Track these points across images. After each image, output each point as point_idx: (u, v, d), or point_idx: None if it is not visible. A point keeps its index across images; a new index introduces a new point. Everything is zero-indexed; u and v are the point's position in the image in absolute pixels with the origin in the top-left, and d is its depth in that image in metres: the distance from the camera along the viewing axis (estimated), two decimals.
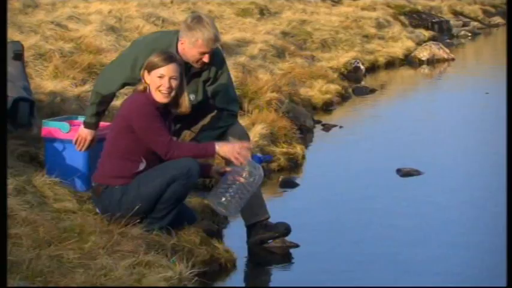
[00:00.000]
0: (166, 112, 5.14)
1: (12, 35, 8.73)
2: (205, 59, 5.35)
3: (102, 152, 5.20)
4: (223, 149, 5.02)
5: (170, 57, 5.08)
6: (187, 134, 6.16)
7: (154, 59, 5.05)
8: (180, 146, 5.03)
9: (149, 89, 5.05)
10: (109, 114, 6.59)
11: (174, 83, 5.03)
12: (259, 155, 5.18)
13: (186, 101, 5.16)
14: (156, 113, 5.00)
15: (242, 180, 5.06)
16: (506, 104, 7.42)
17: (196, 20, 5.38)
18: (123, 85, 5.60)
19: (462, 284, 5.00)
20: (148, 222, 5.01)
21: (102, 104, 5.60)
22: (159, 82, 5.01)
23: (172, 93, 5.05)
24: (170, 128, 5.23)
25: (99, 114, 5.64)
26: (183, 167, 4.95)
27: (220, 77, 5.52)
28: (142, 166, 5.04)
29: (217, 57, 5.50)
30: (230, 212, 5.17)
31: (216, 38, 5.34)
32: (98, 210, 5.16)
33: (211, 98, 5.54)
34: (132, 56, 5.44)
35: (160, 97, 5.03)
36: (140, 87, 5.10)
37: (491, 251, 5.58)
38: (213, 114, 5.59)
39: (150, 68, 5.04)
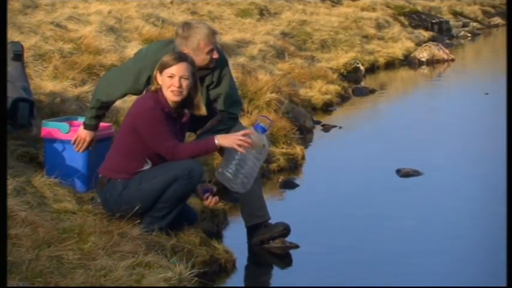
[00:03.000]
0: (178, 115, 5.12)
1: (12, 35, 8.73)
2: (215, 55, 5.38)
3: (112, 145, 5.23)
4: (224, 141, 4.99)
5: (181, 56, 5.08)
6: (191, 136, 6.18)
7: (166, 58, 5.05)
8: (183, 150, 5.00)
9: (161, 90, 5.05)
10: (109, 115, 6.61)
11: (184, 83, 5.02)
12: (261, 124, 5.09)
13: (202, 103, 5.15)
14: (161, 118, 4.98)
15: (251, 155, 5.03)
16: (506, 105, 7.42)
17: (186, 26, 5.41)
18: (125, 94, 5.63)
19: (462, 284, 5.00)
20: (148, 222, 5.02)
21: (102, 108, 5.63)
22: (169, 82, 5.00)
23: (184, 93, 5.03)
24: (183, 130, 5.22)
25: (99, 117, 5.66)
26: (186, 168, 4.95)
27: (222, 80, 5.54)
28: (147, 166, 5.05)
29: (219, 62, 5.50)
30: (246, 187, 5.12)
31: (213, 31, 5.40)
32: (99, 200, 5.19)
33: (213, 101, 5.55)
34: (136, 68, 5.46)
35: (171, 96, 5.01)
36: (152, 88, 5.10)
37: (491, 251, 5.58)
38: (214, 116, 5.60)
39: (162, 67, 5.04)
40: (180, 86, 5.01)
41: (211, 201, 5.27)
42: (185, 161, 4.98)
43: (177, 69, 5.01)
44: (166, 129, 4.98)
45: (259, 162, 5.11)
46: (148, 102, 5.03)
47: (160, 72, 5.04)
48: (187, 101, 5.09)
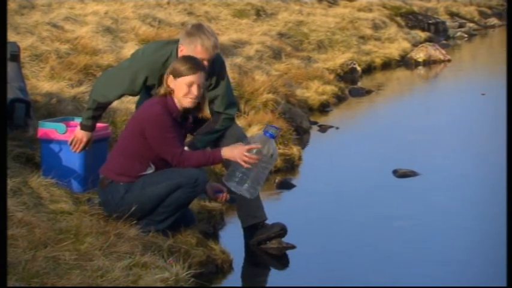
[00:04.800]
0: (184, 118, 5.13)
1: (9, 36, 8.71)
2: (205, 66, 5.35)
3: (115, 146, 5.22)
4: (230, 154, 5.00)
5: (199, 64, 5.08)
6: (188, 137, 6.17)
7: (182, 66, 5.02)
8: (189, 158, 5.00)
9: (171, 94, 5.04)
10: (106, 115, 6.60)
11: (200, 90, 5.04)
12: (270, 131, 5.06)
13: (207, 106, 5.17)
14: (170, 123, 4.98)
15: (258, 166, 5.01)
16: (506, 105, 7.42)
17: (196, 27, 5.41)
18: (121, 96, 5.62)
19: (462, 284, 5.00)
20: (145, 224, 5.02)
21: (99, 109, 5.62)
22: (187, 89, 5.00)
23: (198, 100, 5.06)
24: (186, 134, 5.25)
25: (96, 118, 5.65)
26: (191, 176, 4.96)
27: (220, 82, 5.54)
28: (150, 170, 5.04)
29: (217, 64, 5.51)
30: (253, 195, 5.11)
31: (215, 45, 5.35)
32: (99, 200, 5.18)
33: (210, 102, 5.56)
34: (133, 70, 5.44)
35: (187, 103, 5.03)
36: (161, 91, 5.07)
37: (489, 251, 5.58)
38: (211, 118, 5.60)
39: (178, 74, 5.02)
40: (198, 94, 5.03)
41: (222, 197, 5.30)
42: (191, 169, 4.98)
43: (197, 78, 5.02)
44: (173, 135, 4.98)
45: (267, 170, 5.11)
46: (156, 108, 5.01)
47: (175, 77, 5.03)
48: (196, 106, 5.10)
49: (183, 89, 5.01)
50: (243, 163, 4.95)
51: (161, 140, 4.96)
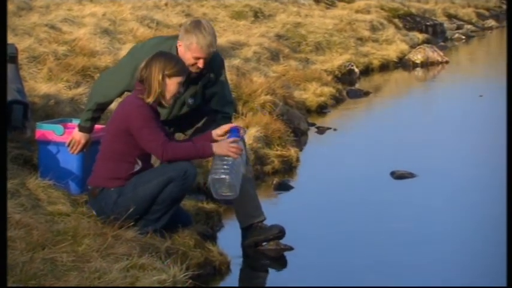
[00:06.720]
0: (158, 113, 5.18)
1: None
2: (200, 64, 5.34)
3: (98, 155, 5.20)
4: (219, 150, 5.05)
5: (185, 65, 5.19)
6: (180, 136, 6.17)
7: (177, 67, 5.08)
8: (176, 148, 5.03)
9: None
10: (104, 117, 6.59)
11: None
12: (235, 131, 5.18)
13: None
14: (153, 115, 5.03)
15: (239, 160, 5.11)
16: (506, 104, 7.41)
17: (195, 24, 5.38)
18: (122, 93, 5.60)
19: (462, 284, 5.00)
20: (143, 225, 5.02)
21: (98, 111, 5.61)
22: (176, 89, 5.09)
23: None
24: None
25: (95, 120, 5.64)
26: (180, 169, 4.98)
27: (218, 80, 5.54)
28: (137, 167, 5.06)
29: (216, 61, 5.50)
30: (236, 191, 5.14)
31: (210, 44, 5.32)
32: (94, 212, 5.16)
33: (208, 100, 5.56)
34: (132, 64, 5.41)
35: (169, 102, 5.14)
36: (153, 89, 5.06)
37: (489, 251, 5.59)
38: (208, 116, 5.60)
39: (173, 74, 5.06)
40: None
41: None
42: (178, 163, 5.00)
43: (183, 79, 5.12)
44: (157, 125, 5.02)
45: (242, 168, 5.19)
46: (137, 101, 5.05)
47: (170, 77, 5.05)
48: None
49: (173, 88, 5.07)
50: (232, 154, 5.02)
51: (145, 130, 4.96)
